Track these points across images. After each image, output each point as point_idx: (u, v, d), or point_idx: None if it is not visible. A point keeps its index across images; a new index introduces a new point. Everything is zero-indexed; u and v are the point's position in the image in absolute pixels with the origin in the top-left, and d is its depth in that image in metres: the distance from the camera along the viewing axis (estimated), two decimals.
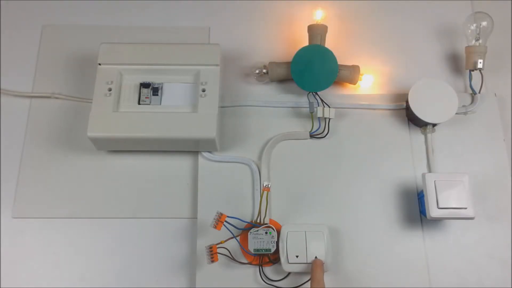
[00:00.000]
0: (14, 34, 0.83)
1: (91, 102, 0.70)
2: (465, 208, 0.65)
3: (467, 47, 0.78)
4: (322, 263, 0.64)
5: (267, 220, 0.69)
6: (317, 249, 0.65)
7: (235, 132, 0.75)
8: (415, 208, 0.72)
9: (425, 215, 0.67)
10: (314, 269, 0.63)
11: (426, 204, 0.66)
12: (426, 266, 0.69)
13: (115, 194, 0.73)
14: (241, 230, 0.68)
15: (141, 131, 0.69)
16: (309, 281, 0.64)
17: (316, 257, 0.65)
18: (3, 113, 0.78)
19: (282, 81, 0.79)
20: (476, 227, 0.71)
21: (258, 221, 0.69)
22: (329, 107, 0.75)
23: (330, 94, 0.78)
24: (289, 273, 0.67)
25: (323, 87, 0.75)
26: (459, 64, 0.81)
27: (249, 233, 0.67)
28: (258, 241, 0.66)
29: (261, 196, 0.69)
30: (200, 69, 0.72)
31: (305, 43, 0.78)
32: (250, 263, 0.68)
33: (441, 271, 0.69)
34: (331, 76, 0.74)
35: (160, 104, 0.72)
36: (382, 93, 0.79)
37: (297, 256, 0.65)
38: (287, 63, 0.76)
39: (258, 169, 0.73)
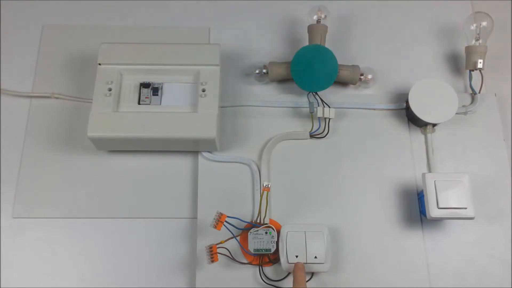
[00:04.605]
0: (14, 34, 0.83)
1: (91, 102, 0.70)
2: (465, 208, 0.65)
3: (467, 47, 0.78)
4: (303, 266, 0.64)
5: (267, 220, 0.69)
6: (317, 249, 0.65)
7: (235, 132, 0.76)
8: (415, 208, 0.72)
9: (425, 215, 0.67)
10: (296, 271, 0.63)
11: (426, 204, 0.66)
12: (426, 266, 0.69)
13: (115, 194, 0.73)
14: (241, 230, 0.68)
15: (141, 131, 0.69)
16: (308, 281, 0.64)
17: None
18: (3, 113, 0.78)
19: (282, 81, 0.79)
20: (476, 227, 0.71)
21: (258, 221, 0.69)
22: (329, 107, 0.75)
23: (330, 94, 0.78)
24: (289, 273, 0.67)
25: (323, 87, 0.75)
26: (459, 64, 0.81)
27: (249, 233, 0.67)
28: (258, 241, 0.66)
29: (261, 196, 0.69)
30: (200, 69, 0.72)
31: (305, 43, 0.78)
32: (250, 263, 0.68)
33: (441, 271, 0.69)
34: (331, 76, 0.74)
35: (160, 104, 0.72)
36: (382, 93, 0.79)
37: (297, 256, 0.65)
38: (287, 63, 0.76)
39: (258, 169, 0.73)
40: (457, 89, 0.79)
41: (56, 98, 0.78)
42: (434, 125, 0.75)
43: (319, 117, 0.74)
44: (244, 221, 0.69)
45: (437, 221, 0.71)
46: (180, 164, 0.74)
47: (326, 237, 0.67)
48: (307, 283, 0.66)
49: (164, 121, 0.69)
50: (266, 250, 0.66)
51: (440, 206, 0.65)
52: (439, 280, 0.69)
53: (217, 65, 0.73)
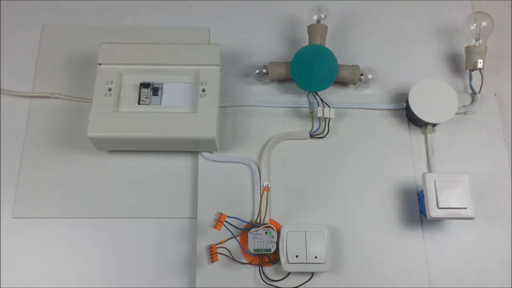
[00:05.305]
0: (14, 34, 0.83)
1: (91, 102, 0.70)
2: (465, 208, 0.65)
3: (467, 47, 0.78)
4: None
5: (267, 220, 0.69)
6: (317, 249, 0.65)
7: (235, 132, 0.76)
8: (415, 208, 0.72)
9: (425, 215, 0.67)
10: None
11: (426, 204, 0.66)
12: (426, 266, 0.69)
13: (115, 194, 0.73)
14: (241, 230, 0.68)
15: (141, 131, 0.69)
16: (308, 281, 0.64)
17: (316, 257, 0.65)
18: (3, 113, 0.78)
19: (282, 81, 0.79)
20: (476, 227, 0.71)
21: (258, 221, 0.69)
22: (329, 107, 0.75)
23: (330, 94, 0.78)
24: (289, 273, 0.67)
25: (323, 87, 0.75)
26: (459, 64, 0.81)
27: (249, 233, 0.67)
28: (258, 241, 0.66)
29: (261, 196, 0.69)
30: (200, 69, 0.72)
31: (305, 43, 0.78)
32: (250, 263, 0.68)
33: (441, 271, 0.69)
34: (331, 76, 0.74)
35: (160, 104, 0.72)
36: (382, 93, 0.79)
37: (297, 256, 0.65)
38: (287, 63, 0.76)
39: (258, 169, 0.73)
40: (457, 89, 0.79)
41: (56, 98, 0.78)
42: (434, 125, 0.75)
43: (319, 117, 0.74)
44: (244, 221, 0.69)
45: (437, 221, 0.71)
46: (180, 164, 0.74)
47: (326, 237, 0.67)
48: (307, 283, 0.67)
49: (164, 121, 0.69)
50: (266, 250, 0.66)
51: (440, 206, 0.65)
52: (439, 280, 0.69)
53: (217, 65, 0.73)
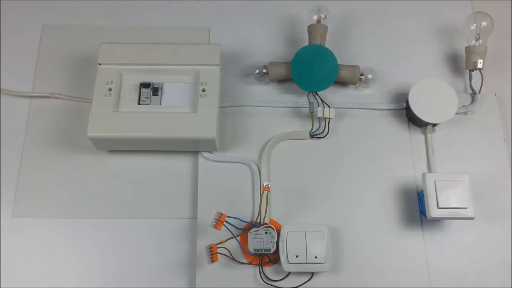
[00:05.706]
0: (14, 34, 0.83)
1: (91, 102, 0.70)
2: (465, 208, 0.65)
3: (467, 47, 0.78)
4: None
5: (267, 220, 0.69)
6: (317, 249, 0.65)
7: (235, 132, 0.76)
8: (415, 208, 0.72)
9: (425, 215, 0.67)
10: None
11: (426, 204, 0.66)
12: (426, 266, 0.69)
13: (115, 194, 0.73)
14: (241, 230, 0.68)
15: (141, 131, 0.69)
16: (308, 281, 0.64)
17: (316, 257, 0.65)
18: (3, 113, 0.78)
19: (282, 81, 0.79)
20: (476, 227, 0.71)
21: (258, 221, 0.69)
22: (329, 107, 0.75)
23: (330, 94, 0.78)
24: (289, 273, 0.67)
25: (323, 87, 0.75)
26: (459, 64, 0.81)
27: (249, 233, 0.67)
28: (258, 241, 0.66)
29: (261, 196, 0.69)
30: (200, 69, 0.72)
31: (305, 43, 0.78)
32: (250, 263, 0.68)
33: (441, 271, 0.69)
34: (331, 76, 0.74)
35: (160, 104, 0.72)
36: (382, 93, 0.79)
37: (297, 256, 0.65)
38: (287, 63, 0.76)
39: (258, 169, 0.73)
40: (457, 89, 0.79)
41: (56, 98, 0.78)
42: (434, 125, 0.75)
43: (319, 117, 0.74)
44: (244, 221, 0.69)
45: (437, 221, 0.71)
46: (180, 164, 0.74)
47: (326, 237, 0.67)
48: (307, 283, 0.67)
49: (164, 121, 0.69)
50: (266, 250, 0.66)
51: (440, 206, 0.65)
52: (439, 280, 0.69)
53: (217, 65, 0.73)
